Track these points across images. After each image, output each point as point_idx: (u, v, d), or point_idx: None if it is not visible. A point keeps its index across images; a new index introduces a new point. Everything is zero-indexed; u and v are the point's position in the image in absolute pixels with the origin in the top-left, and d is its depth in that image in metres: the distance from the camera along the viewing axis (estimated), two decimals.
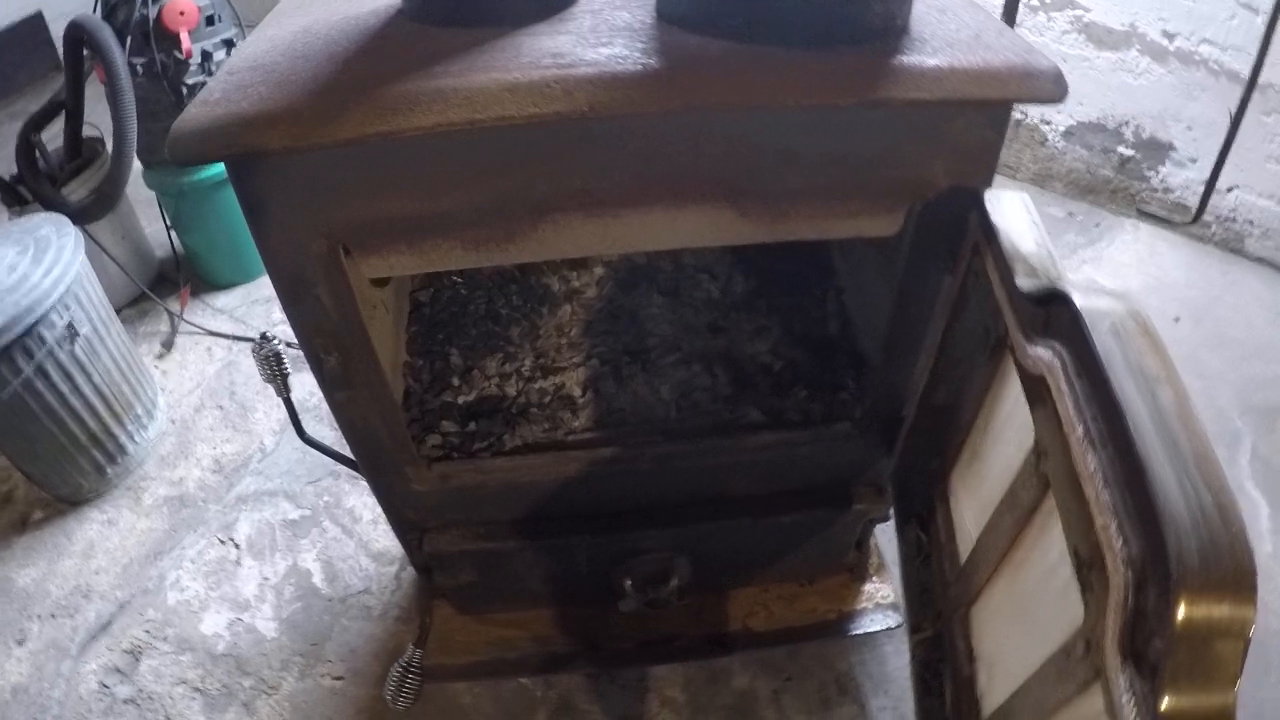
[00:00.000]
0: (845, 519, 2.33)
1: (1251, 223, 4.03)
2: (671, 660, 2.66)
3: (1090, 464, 1.09)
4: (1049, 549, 1.37)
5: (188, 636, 2.98)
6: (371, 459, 2.05)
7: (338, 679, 2.82)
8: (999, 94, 1.43)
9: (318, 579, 3.10)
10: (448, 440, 2.20)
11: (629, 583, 2.30)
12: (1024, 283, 1.33)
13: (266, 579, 3.12)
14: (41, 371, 2.97)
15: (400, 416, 2.00)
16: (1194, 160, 4.03)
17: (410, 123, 1.36)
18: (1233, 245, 4.12)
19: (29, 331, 2.87)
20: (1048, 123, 4.42)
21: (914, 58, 1.40)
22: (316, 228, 1.54)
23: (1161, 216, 4.08)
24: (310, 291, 1.64)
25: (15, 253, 3.03)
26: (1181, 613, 0.92)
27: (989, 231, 1.45)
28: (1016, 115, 4.46)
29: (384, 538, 3.17)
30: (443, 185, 1.51)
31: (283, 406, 2.18)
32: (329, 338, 1.74)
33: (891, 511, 2.28)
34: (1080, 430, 1.12)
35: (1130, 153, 4.23)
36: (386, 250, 1.61)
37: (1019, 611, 1.54)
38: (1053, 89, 1.44)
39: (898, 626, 2.56)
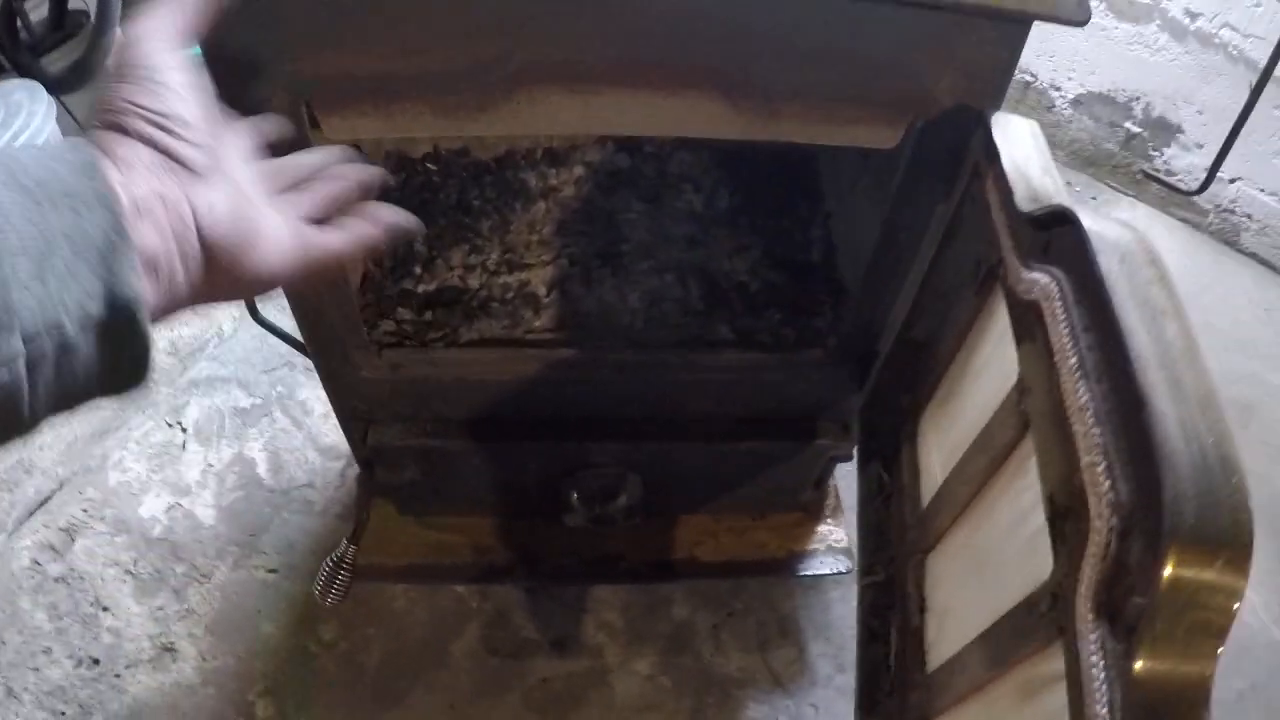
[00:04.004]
0: (807, 453, 2.25)
1: (1250, 216, 3.92)
2: (614, 581, 2.60)
3: (1082, 397, 0.99)
4: (1020, 495, 1.29)
5: (125, 518, 2.91)
6: (321, 341, 1.95)
7: (271, 571, 2.78)
8: (1018, 5, 1.33)
9: (262, 469, 3.03)
10: (402, 327, 2.10)
11: (576, 496, 2.23)
12: (1025, 205, 1.24)
13: (210, 465, 3.04)
14: None
15: (352, 296, 1.90)
16: (1201, 146, 3.91)
17: None
18: (1228, 237, 4.01)
19: None
20: (1057, 88, 4.29)
21: None
22: (279, 79, 1.42)
23: (1163, 181, 3.97)
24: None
25: None
26: (1169, 569, 0.83)
27: (991, 152, 1.35)
28: (1026, 77, 4.35)
29: (334, 433, 3.07)
30: (416, 42, 1.39)
31: None
32: None
33: (855, 451, 2.19)
34: (1074, 360, 1.02)
35: (1138, 130, 4.10)
36: (352, 110, 1.49)
37: (980, 562, 1.46)
38: (1075, 10, 1.34)
39: (848, 572, 2.48)
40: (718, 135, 1.54)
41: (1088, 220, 1.08)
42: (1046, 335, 1.10)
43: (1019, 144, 1.36)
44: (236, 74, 1.41)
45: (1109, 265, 1.01)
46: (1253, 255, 4.00)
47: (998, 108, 1.46)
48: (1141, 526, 0.88)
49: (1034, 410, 1.20)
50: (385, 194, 2.26)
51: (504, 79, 1.44)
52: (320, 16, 1.36)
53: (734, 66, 1.43)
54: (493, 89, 1.46)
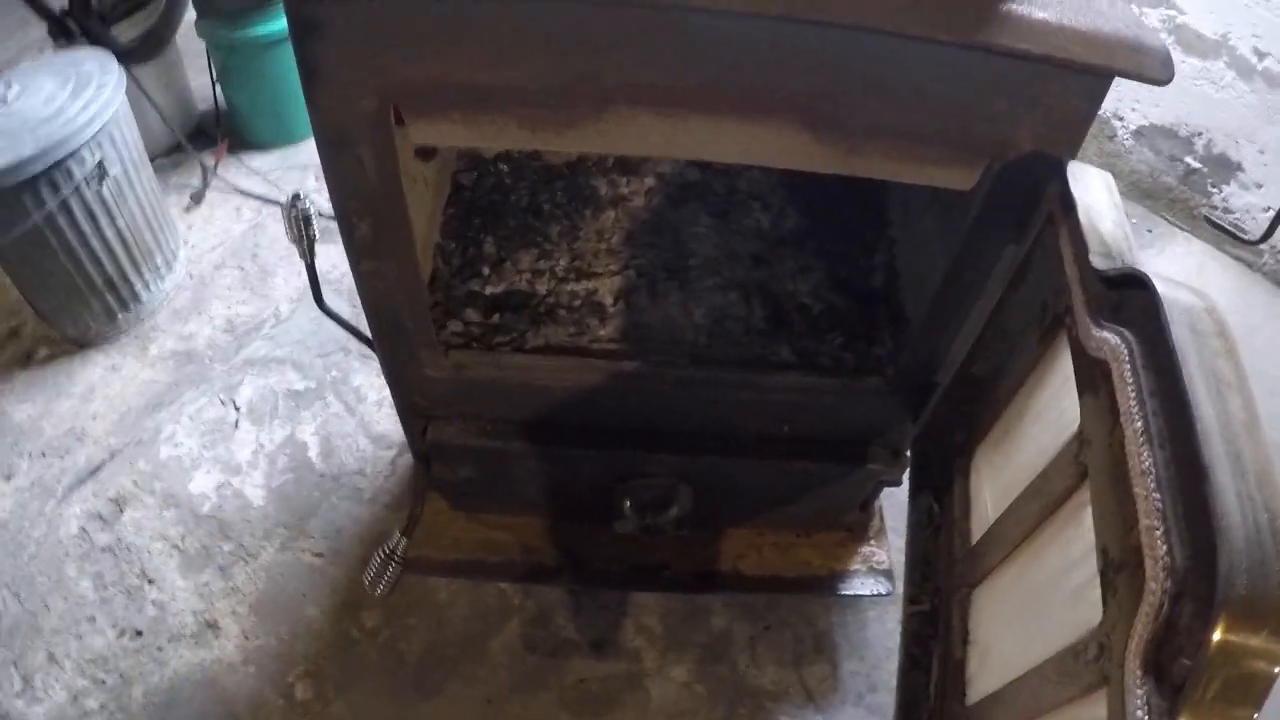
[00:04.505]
0: (857, 476, 2.27)
1: None
2: (658, 589, 2.63)
3: (1145, 461, 1.02)
4: (1072, 543, 1.32)
5: (174, 493, 2.96)
6: (389, 338, 1.99)
7: (318, 555, 2.82)
8: (1104, 62, 1.35)
9: (313, 453, 3.07)
10: (469, 329, 2.15)
11: (629, 504, 2.26)
12: (1099, 262, 1.26)
13: (262, 446, 3.10)
14: (65, 208, 2.92)
15: (425, 297, 1.94)
16: (1260, 185, 3.87)
17: None
18: None
19: (58, 165, 2.82)
20: (1120, 118, 4.27)
21: (1024, 7, 1.32)
22: (369, 83, 1.46)
23: (1226, 229, 3.94)
24: (352, 150, 1.56)
25: (55, 85, 2.96)
26: (1218, 635, 0.86)
27: (1068, 204, 1.38)
28: None
29: (386, 420, 3.13)
30: (509, 55, 1.42)
31: (303, 276, 2.14)
32: (364, 202, 1.67)
33: (905, 476, 2.22)
34: (1140, 424, 1.05)
35: (1197, 165, 4.07)
36: (439, 117, 1.52)
37: (1026, 602, 1.49)
38: (1160, 69, 1.36)
39: (887, 594, 2.51)
40: (800, 166, 1.56)
41: (1161, 286, 1.10)
42: (1113, 395, 1.12)
43: (1095, 197, 1.38)
44: (330, 75, 1.46)
45: (1180, 334, 1.04)
46: None
47: (1074, 156, 1.48)
48: (1194, 593, 0.91)
49: (1093, 464, 1.22)
50: (457, 191, 2.31)
51: (594, 98, 1.47)
52: (414, 24, 1.40)
53: (821, 101, 1.46)
54: (582, 107, 1.49)
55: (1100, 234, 1.31)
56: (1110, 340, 1.17)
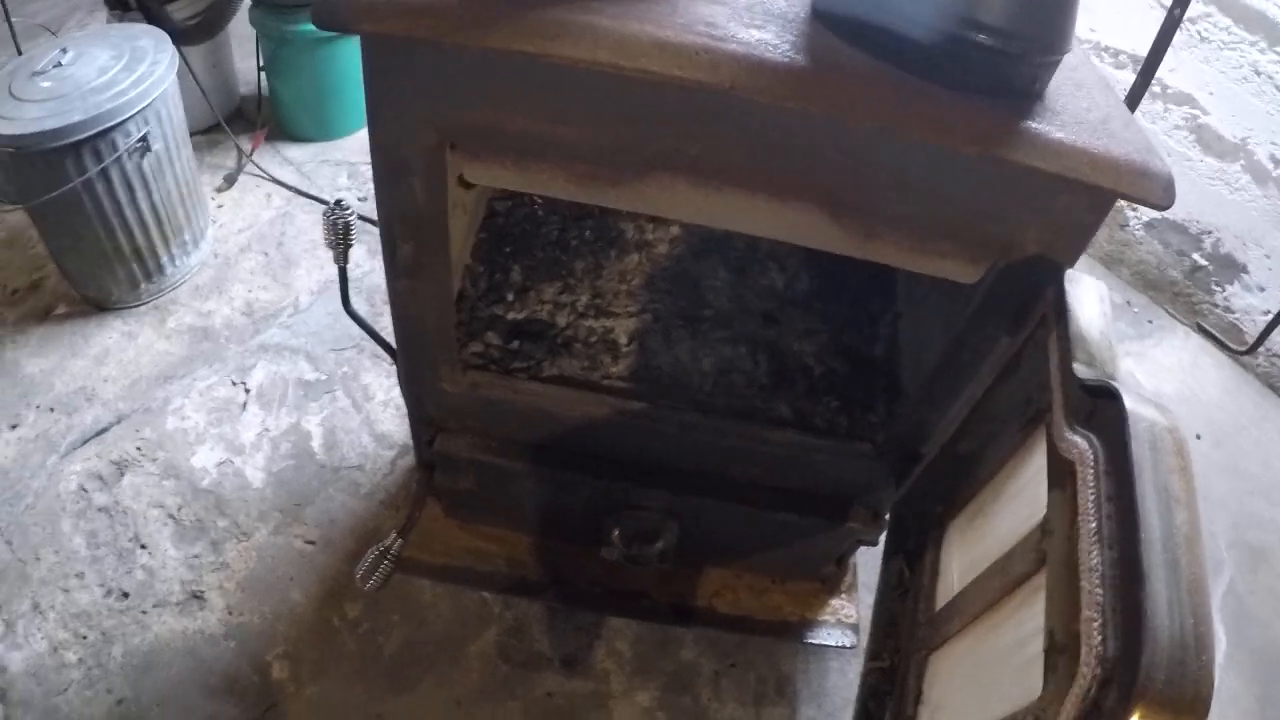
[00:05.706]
0: (837, 533, 2.37)
1: None
2: (634, 617, 2.72)
3: (1094, 559, 1.13)
4: (1025, 622, 1.42)
5: (176, 464, 3.04)
6: (412, 350, 2.09)
7: (309, 543, 2.89)
8: (1111, 184, 1.45)
9: (316, 443, 3.15)
10: (489, 351, 2.25)
11: (618, 533, 2.35)
12: (1081, 370, 1.37)
13: (267, 430, 3.18)
14: (105, 176, 3.01)
15: (452, 318, 2.04)
16: (1263, 289, 3.97)
17: (557, 50, 1.38)
18: (1274, 381, 4.06)
19: (103, 134, 2.91)
20: (1134, 208, 4.38)
21: (1043, 126, 1.42)
22: (432, 121, 1.57)
23: (1217, 338, 4.04)
24: (407, 179, 1.67)
25: (110, 56, 3.06)
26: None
27: (1061, 311, 1.49)
28: None
29: (390, 421, 3.22)
30: (565, 115, 1.53)
31: (324, 269, 2.18)
32: (411, 227, 1.77)
33: (882, 538, 2.31)
34: (1094, 525, 1.16)
35: (1203, 262, 4.17)
36: (492, 161, 1.63)
37: (978, 671, 1.59)
38: (1162, 195, 1.46)
39: (851, 647, 2.61)
40: (819, 246, 1.66)
41: (1130, 401, 1.21)
42: (1075, 495, 1.23)
43: (1087, 306, 1.50)
44: (396, 109, 1.58)
45: (1139, 449, 1.16)
46: None
47: (1073, 264, 1.59)
48: (1120, 680, 1.02)
49: (1052, 552, 1.33)
50: (491, 216, 2.39)
51: (638, 163, 1.58)
52: (479, 76, 1.51)
53: (845, 190, 1.57)
54: (627, 170, 1.60)
55: (1087, 343, 1.42)
56: (1080, 444, 1.28)
